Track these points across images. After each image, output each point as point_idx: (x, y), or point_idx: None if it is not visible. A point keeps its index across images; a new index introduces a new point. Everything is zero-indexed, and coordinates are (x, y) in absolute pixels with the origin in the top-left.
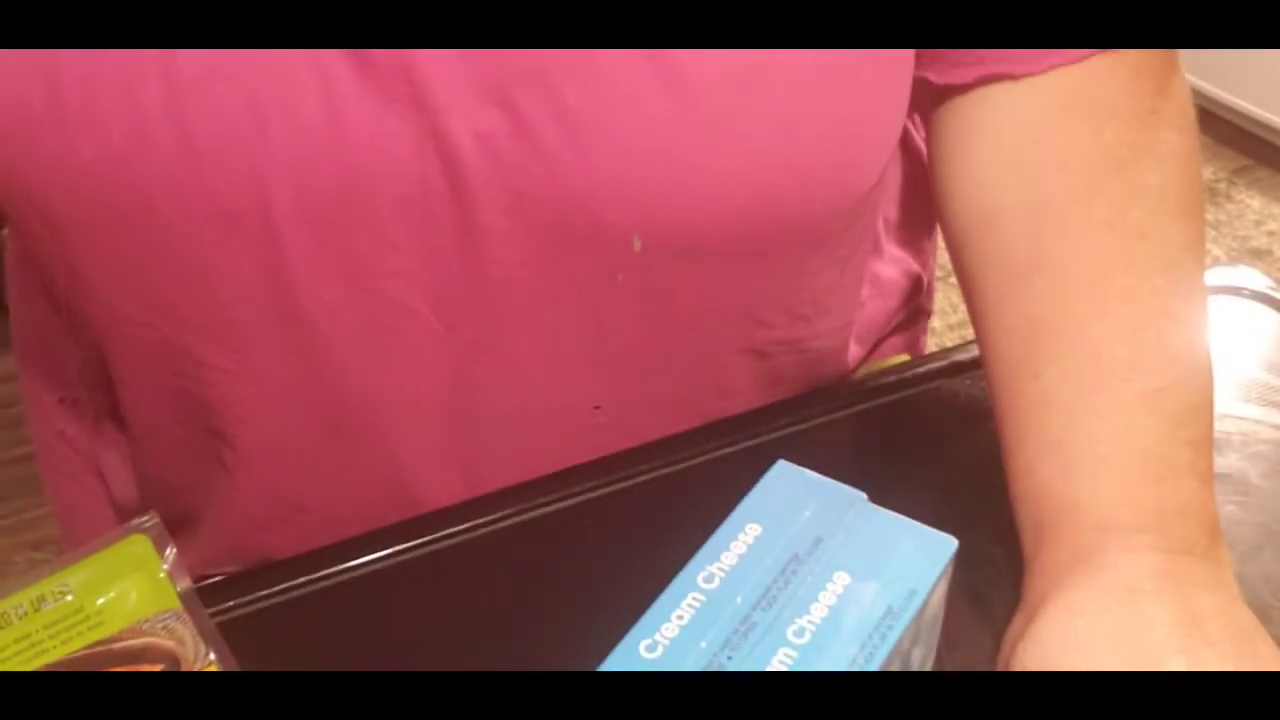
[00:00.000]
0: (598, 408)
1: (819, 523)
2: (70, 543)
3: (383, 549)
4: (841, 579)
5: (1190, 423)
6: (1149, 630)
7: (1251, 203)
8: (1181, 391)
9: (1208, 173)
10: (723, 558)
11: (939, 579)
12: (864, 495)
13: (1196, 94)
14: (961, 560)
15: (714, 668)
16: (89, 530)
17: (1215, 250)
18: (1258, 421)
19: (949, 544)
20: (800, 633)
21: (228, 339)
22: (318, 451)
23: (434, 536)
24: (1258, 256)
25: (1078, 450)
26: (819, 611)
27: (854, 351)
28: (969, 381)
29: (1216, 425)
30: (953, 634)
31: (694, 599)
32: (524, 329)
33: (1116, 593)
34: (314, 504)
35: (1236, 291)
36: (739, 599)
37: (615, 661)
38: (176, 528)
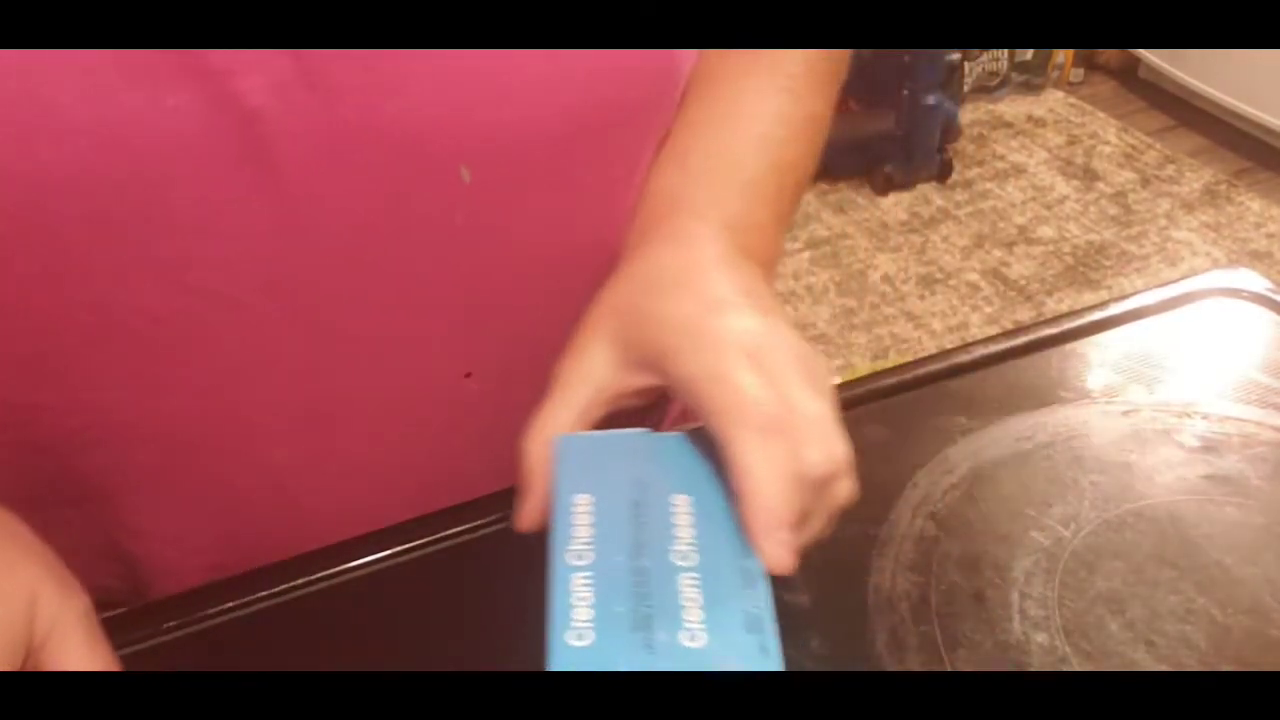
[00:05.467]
0: (469, 375)
1: (631, 467)
2: None
3: (380, 551)
4: (682, 502)
5: (786, 174)
6: (705, 270)
7: (1251, 205)
8: (787, 150)
9: (1208, 175)
10: (575, 534)
11: None
12: (649, 428)
13: (1197, 96)
14: (962, 562)
15: (642, 624)
16: None
17: (1215, 253)
18: (1258, 424)
19: None
20: (685, 556)
21: (41, 371)
22: (180, 472)
23: (432, 539)
24: (1257, 259)
25: (696, 161)
26: (685, 533)
27: None
28: (969, 383)
29: (1217, 427)
30: (953, 634)
31: (581, 579)
32: (369, 300)
33: (686, 249)
34: (197, 525)
35: (1236, 294)
36: (618, 558)
37: (558, 661)
38: None
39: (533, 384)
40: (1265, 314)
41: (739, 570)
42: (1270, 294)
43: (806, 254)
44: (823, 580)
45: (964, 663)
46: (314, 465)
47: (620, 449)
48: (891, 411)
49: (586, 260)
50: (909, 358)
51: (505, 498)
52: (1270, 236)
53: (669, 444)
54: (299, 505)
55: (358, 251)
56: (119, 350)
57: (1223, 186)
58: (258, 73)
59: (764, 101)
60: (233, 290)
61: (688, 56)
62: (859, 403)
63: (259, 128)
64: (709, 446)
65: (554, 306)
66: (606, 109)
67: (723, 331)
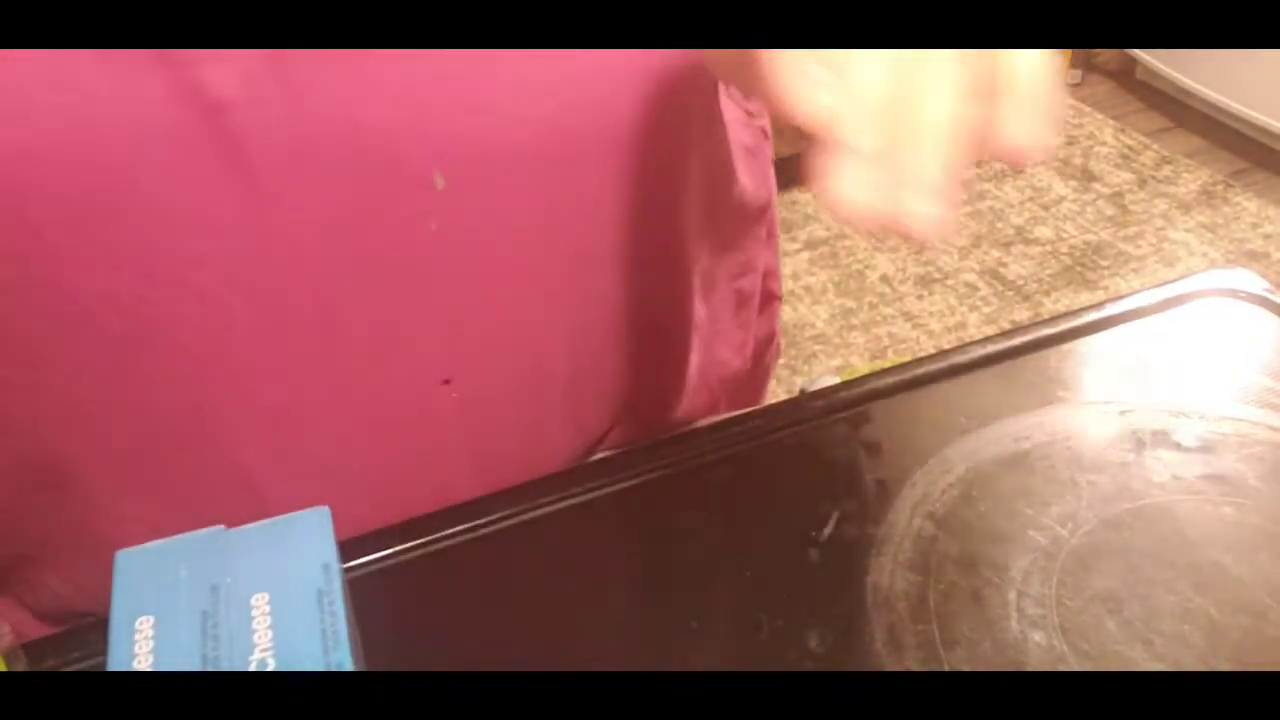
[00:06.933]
0: (447, 382)
1: (201, 574)
2: None
3: (380, 550)
4: (261, 601)
5: None
6: None
7: (1248, 205)
8: None
9: (1204, 176)
10: (135, 666)
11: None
12: (222, 525)
13: (1194, 97)
14: (961, 561)
15: None
16: None
17: (1212, 253)
18: (1254, 424)
19: (322, 513)
20: (264, 664)
21: (6, 347)
22: (150, 460)
23: (433, 537)
24: (1254, 259)
25: None
26: (264, 636)
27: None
28: (967, 383)
29: (1214, 427)
30: (951, 633)
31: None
32: (340, 302)
33: None
34: (165, 520)
35: (1233, 294)
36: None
37: None
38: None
39: (515, 391)
40: (1262, 314)
41: (322, 666)
42: (1267, 294)
43: (805, 254)
44: (821, 579)
45: (962, 662)
46: (283, 465)
47: (189, 554)
48: (890, 411)
49: (569, 270)
50: (907, 358)
51: (505, 497)
52: (1267, 237)
53: (248, 539)
54: (267, 506)
55: (328, 252)
56: (83, 334)
57: (1219, 187)
58: (227, 64)
59: None
60: (200, 284)
61: (673, 60)
62: (858, 403)
63: (227, 120)
64: (293, 535)
65: (536, 315)
66: (584, 117)
67: None
